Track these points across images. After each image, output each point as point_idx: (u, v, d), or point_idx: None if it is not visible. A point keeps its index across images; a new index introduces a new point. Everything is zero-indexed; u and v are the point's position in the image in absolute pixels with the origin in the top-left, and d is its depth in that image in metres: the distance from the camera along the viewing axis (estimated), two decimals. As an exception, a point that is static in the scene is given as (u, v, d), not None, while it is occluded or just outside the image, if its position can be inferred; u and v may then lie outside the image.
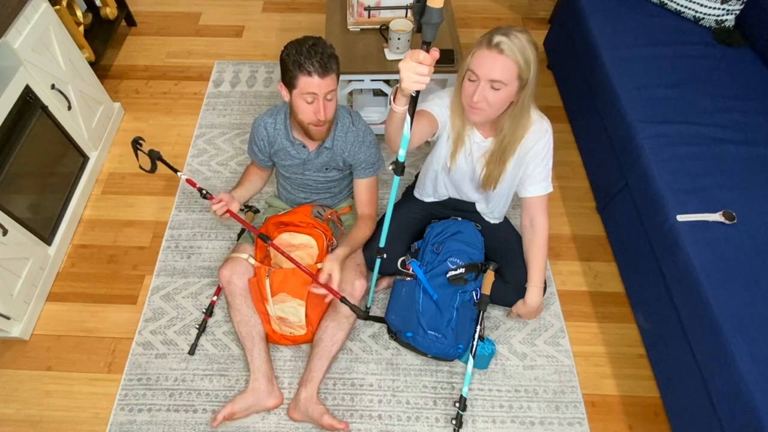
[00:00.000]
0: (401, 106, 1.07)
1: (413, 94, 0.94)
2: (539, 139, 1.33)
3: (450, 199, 1.64)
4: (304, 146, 1.48)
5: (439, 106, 1.36)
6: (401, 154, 1.03)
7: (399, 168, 1.06)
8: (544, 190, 1.41)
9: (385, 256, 1.36)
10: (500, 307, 1.73)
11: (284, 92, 1.35)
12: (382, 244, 1.30)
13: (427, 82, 0.89)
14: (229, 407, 1.43)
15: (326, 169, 1.54)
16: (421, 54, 0.86)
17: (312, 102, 1.30)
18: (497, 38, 1.13)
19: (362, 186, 1.58)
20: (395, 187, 1.10)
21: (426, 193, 1.65)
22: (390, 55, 1.85)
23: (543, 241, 1.45)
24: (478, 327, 1.52)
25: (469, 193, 1.57)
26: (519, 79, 1.17)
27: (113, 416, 1.51)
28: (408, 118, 0.96)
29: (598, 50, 1.89)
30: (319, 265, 1.51)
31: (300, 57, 1.24)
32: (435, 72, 1.84)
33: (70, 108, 1.85)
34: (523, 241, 1.50)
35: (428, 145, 1.67)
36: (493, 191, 1.46)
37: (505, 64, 1.14)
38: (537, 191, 1.41)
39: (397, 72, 1.82)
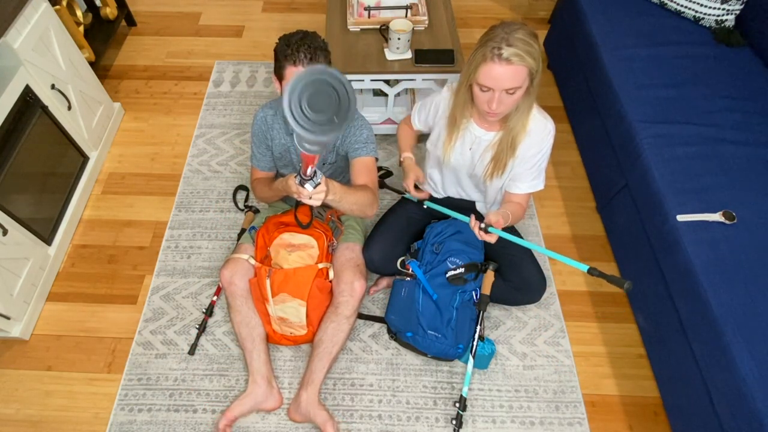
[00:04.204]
0: None
1: None
2: (542, 141, 1.34)
3: (449, 198, 1.64)
4: None
5: (418, 119, 1.55)
6: None
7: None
8: (532, 188, 1.41)
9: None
10: (500, 307, 1.73)
11: (276, 84, 1.36)
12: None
13: None
14: (228, 415, 1.43)
15: (323, 164, 1.53)
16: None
17: None
18: (504, 51, 1.12)
19: (359, 164, 1.41)
20: None
21: (431, 186, 1.66)
22: (390, 55, 1.85)
23: (519, 208, 1.43)
24: (478, 327, 1.52)
25: (468, 190, 1.57)
26: (530, 76, 1.18)
27: (113, 416, 1.51)
28: None
29: (598, 50, 1.89)
30: (319, 266, 1.51)
31: (287, 48, 1.24)
32: (435, 72, 1.84)
33: (70, 108, 1.85)
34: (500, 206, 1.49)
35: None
36: (491, 186, 1.46)
37: (516, 72, 1.14)
38: (524, 189, 1.41)
39: (396, 72, 1.84)
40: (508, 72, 1.14)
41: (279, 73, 1.31)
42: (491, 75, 1.16)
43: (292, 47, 1.24)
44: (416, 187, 1.59)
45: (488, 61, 1.14)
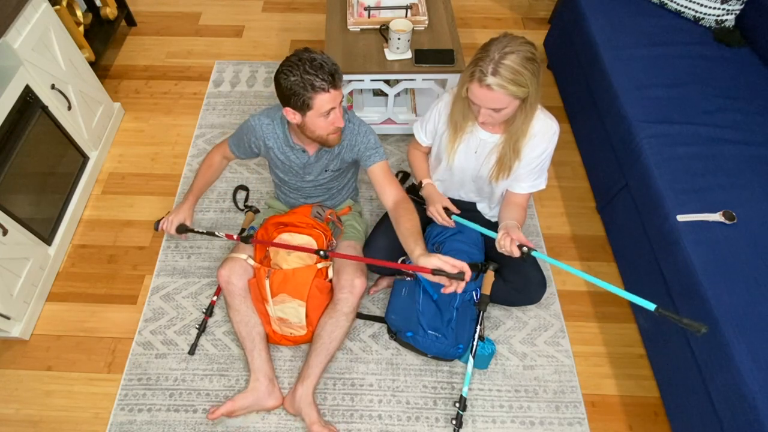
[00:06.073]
0: None
1: None
2: (547, 142, 1.35)
3: (449, 199, 1.64)
4: (304, 151, 1.47)
5: (424, 133, 1.53)
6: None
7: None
8: (533, 188, 1.43)
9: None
10: (500, 307, 1.73)
11: (292, 116, 1.29)
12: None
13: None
14: (230, 404, 1.43)
15: (326, 170, 1.54)
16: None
17: (330, 115, 1.28)
18: (487, 78, 1.14)
19: (377, 171, 1.44)
20: None
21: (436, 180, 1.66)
22: (390, 55, 1.85)
23: (520, 210, 1.44)
24: (478, 327, 1.52)
25: (470, 194, 1.58)
26: (517, 99, 1.19)
27: (113, 416, 1.51)
28: None
29: (598, 50, 1.89)
30: (318, 266, 1.51)
31: (309, 77, 1.19)
32: (435, 72, 1.84)
33: (70, 108, 1.85)
34: (500, 208, 1.50)
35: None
36: (497, 187, 1.47)
37: (496, 97, 1.17)
38: (526, 189, 1.43)
39: (396, 72, 1.84)
40: (489, 96, 1.17)
41: (304, 105, 1.23)
42: (475, 94, 1.20)
43: (313, 74, 1.18)
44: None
45: (474, 80, 1.18)
